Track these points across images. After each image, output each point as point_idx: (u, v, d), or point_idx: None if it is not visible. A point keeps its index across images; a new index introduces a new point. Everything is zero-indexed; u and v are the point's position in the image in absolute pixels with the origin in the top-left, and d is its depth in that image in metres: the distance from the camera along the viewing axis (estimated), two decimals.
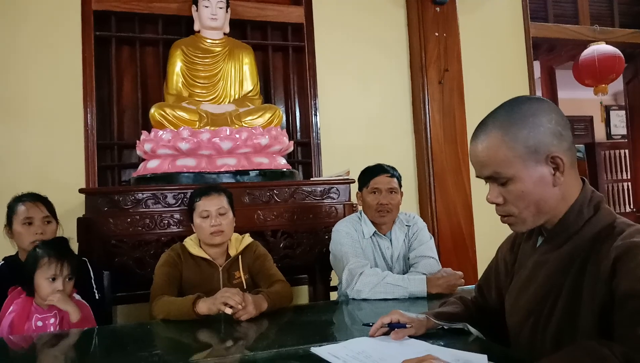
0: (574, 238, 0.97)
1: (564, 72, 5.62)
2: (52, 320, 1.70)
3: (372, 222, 2.04)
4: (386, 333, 1.19)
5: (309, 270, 2.82)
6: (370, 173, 2.06)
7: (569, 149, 0.97)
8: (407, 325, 1.15)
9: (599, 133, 8.05)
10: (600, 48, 3.63)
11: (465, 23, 3.47)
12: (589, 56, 3.64)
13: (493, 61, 3.62)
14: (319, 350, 1.13)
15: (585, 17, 3.98)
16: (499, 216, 1.05)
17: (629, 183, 6.97)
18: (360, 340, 1.18)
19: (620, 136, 7.73)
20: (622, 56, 3.65)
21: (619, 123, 7.73)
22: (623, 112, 5.59)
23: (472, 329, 1.18)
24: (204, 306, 1.60)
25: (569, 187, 0.98)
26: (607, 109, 8.08)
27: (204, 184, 2.13)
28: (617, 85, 5.58)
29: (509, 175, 0.96)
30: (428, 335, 1.18)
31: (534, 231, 1.06)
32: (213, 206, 1.88)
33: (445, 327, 1.21)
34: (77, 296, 1.82)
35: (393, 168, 2.10)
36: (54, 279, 1.70)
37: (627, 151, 5.70)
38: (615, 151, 7.75)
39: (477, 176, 1.05)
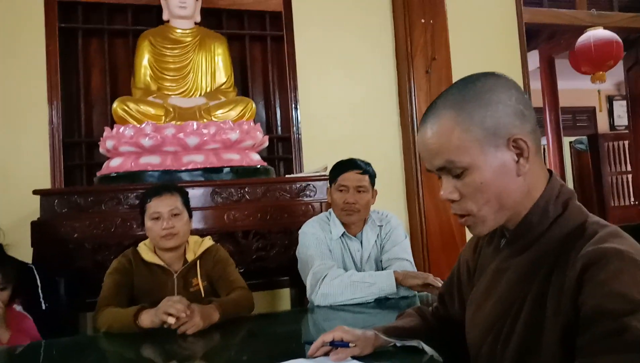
0: (539, 241, 0.80)
1: (564, 62, 5.43)
2: None
3: (341, 222, 1.88)
4: (328, 353, 1.02)
5: (290, 272, 2.67)
6: (339, 169, 1.89)
7: (533, 132, 0.81)
8: (350, 344, 0.99)
9: (602, 124, 7.84)
10: (597, 33, 3.44)
11: (454, 8, 3.28)
12: (585, 41, 3.44)
13: (484, 48, 3.43)
14: None
15: (582, 1, 3.78)
16: (457, 217, 0.88)
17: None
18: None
19: (623, 127, 7.50)
20: (620, 41, 3.46)
21: (623, 113, 7.50)
22: (625, 102, 5.39)
23: (426, 347, 1.02)
24: (147, 319, 1.45)
25: (534, 179, 0.82)
26: (609, 99, 7.87)
27: (156, 184, 1.98)
28: (620, 74, 5.38)
29: (465, 164, 0.79)
30: (375, 355, 1.01)
31: (495, 232, 0.90)
32: (165, 207, 1.72)
33: (398, 344, 1.04)
34: (19, 308, 1.68)
35: (367, 164, 1.92)
36: None
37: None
38: (619, 142, 7.52)
39: (427, 170, 0.88)
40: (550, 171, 0.84)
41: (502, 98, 0.80)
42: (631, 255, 0.69)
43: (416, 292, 1.73)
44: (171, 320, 1.41)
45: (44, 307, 1.81)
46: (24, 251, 2.16)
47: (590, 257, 0.70)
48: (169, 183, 2.03)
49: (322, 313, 1.65)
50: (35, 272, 1.86)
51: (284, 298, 2.95)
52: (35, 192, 2.21)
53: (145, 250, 1.78)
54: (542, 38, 5.28)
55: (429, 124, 0.83)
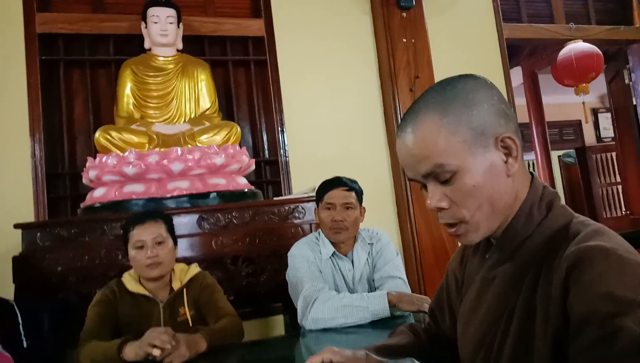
0: (524, 247, 0.77)
1: (548, 77, 5.50)
2: None
3: (331, 241, 1.84)
4: None
5: (283, 297, 2.61)
6: (325, 187, 1.86)
7: (517, 131, 0.79)
8: None
9: (589, 137, 7.91)
10: (577, 47, 3.49)
11: (435, 27, 3.31)
12: (567, 55, 3.49)
13: (466, 64, 3.45)
14: None
15: (560, 16, 3.85)
16: (446, 226, 0.84)
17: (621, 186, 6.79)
18: None
19: (610, 139, 7.58)
20: (600, 53, 3.51)
21: (608, 125, 7.60)
22: (610, 114, 5.46)
23: None
24: (131, 351, 1.39)
25: (520, 181, 0.79)
26: (594, 112, 7.97)
27: (140, 212, 1.93)
28: (603, 87, 5.45)
29: (454, 167, 0.75)
30: None
31: (480, 240, 0.86)
32: (148, 235, 1.67)
33: None
34: None
35: (353, 181, 1.90)
36: None
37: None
38: (607, 154, 7.58)
39: (410, 179, 0.84)
40: (531, 173, 0.82)
41: (485, 98, 0.77)
42: (617, 252, 0.65)
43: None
44: (156, 352, 1.35)
45: (25, 345, 1.74)
46: (5, 287, 2.10)
47: (574, 258, 0.66)
48: (152, 210, 1.98)
49: (314, 337, 1.60)
50: (16, 309, 1.79)
51: (278, 326, 2.87)
52: (16, 226, 2.16)
53: (129, 280, 1.73)
54: (524, 54, 5.35)
55: (410, 129, 0.79)
